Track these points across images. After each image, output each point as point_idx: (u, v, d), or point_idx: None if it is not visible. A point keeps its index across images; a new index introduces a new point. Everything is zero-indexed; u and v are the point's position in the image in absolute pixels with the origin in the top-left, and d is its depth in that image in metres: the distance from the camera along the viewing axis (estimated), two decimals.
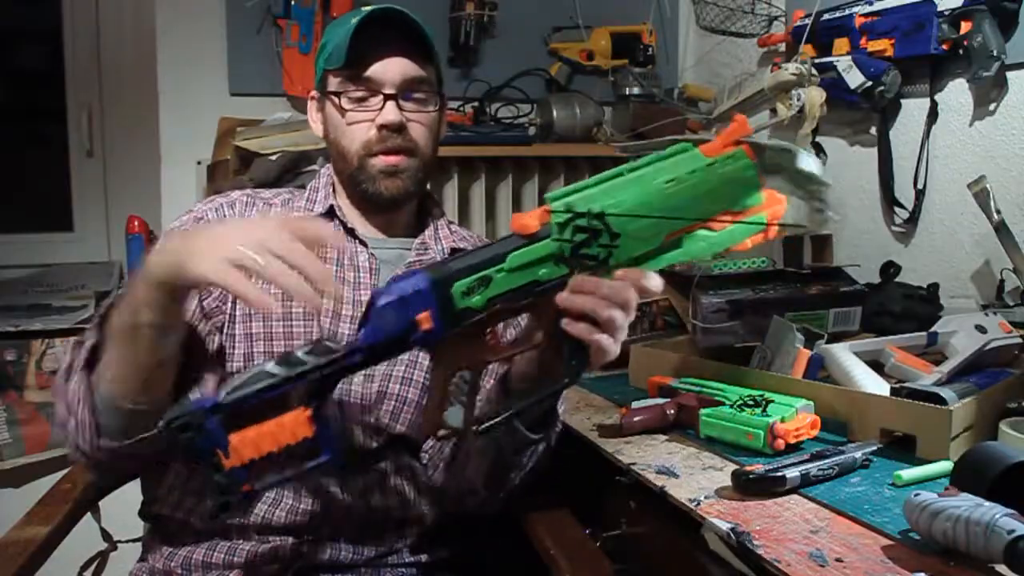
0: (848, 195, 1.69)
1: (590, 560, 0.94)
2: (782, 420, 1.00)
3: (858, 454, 0.95)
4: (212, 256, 0.73)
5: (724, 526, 0.82)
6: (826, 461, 0.92)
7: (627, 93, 2.09)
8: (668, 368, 1.29)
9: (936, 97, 1.49)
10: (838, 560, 0.74)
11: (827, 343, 1.20)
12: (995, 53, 1.31)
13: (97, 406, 0.87)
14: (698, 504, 0.88)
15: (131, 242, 1.98)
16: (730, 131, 0.76)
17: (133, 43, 2.07)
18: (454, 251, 1.08)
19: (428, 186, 1.19)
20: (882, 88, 1.48)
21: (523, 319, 0.88)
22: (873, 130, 1.61)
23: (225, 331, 0.99)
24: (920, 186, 1.52)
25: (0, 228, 2.14)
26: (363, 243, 1.06)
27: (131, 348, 0.82)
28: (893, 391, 1.03)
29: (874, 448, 0.98)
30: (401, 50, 1.00)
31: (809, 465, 0.91)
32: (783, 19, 1.82)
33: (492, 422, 0.77)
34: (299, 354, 0.69)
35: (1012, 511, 0.69)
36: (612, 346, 0.76)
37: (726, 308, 1.29)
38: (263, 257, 0.72)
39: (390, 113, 1.00)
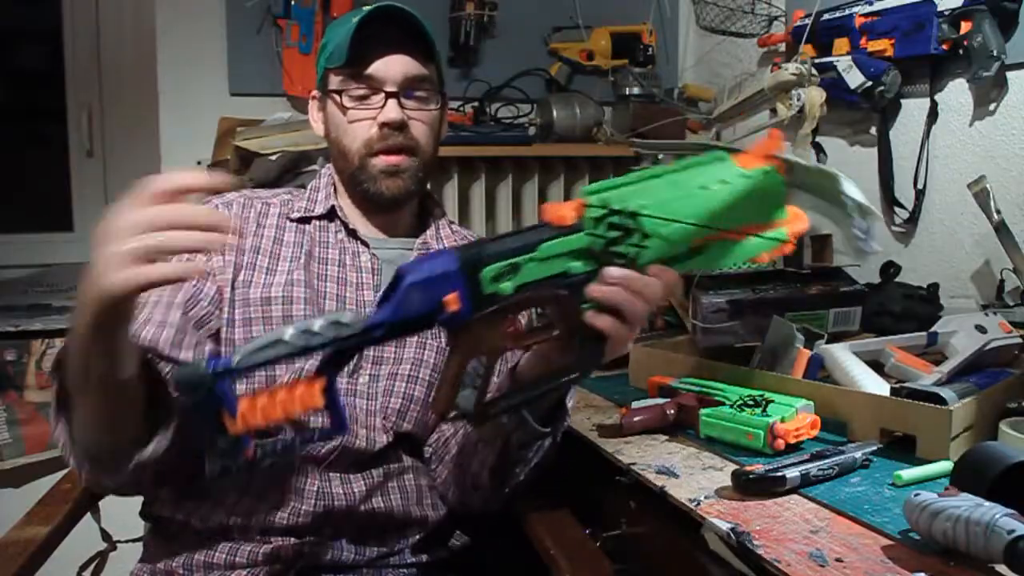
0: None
1: (590, 560, 0.94)
2: (782, 420, 1.00)
3: (858, 454, 0.95)
4: (109, 270, 0.68)
5: (724, 526, 0.82)
6: (826, 461, 0.92)
7: (627, 93, 2.09)
8: (668, 368, 1.29)
9: (936, 97, 1.49)
10: (838, 560, 0.74)
11: (827, 343, 1.20)
12: (995, 53, 1.31)
13: (80, 449, 0.85)
14: (698, 504, 0.88)
15: None
16: (765, 145, 0.77)
17: (133, 43, 2.07)
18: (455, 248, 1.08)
19: (429, 186, 1.19)
20: (882, 88, 1.48)
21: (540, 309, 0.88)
22: (873, 130, 1.61)
23: (224, 336, 0.99)
24: (920, 186, 1.52)
25: (0, 228, 2.14)
26: (365, 244, 1.06)
27: (89, 398, 0.79)
28: (893, 391, 1.03)
29: (874, 448, 0.98)
30: (403, 48, 1.01)
31: (809, 465, 0.91)
32: (783, 19, 1.82)
33: (507, 405, 0.76)
34: (317, 325, 0.67)
35: (1012, 511, 0.69)
36: (630, 341, 0.77)
37: (726, 308, 1.29)
38: (153, 238, 0.67)
39: (391, 111, 1.00)
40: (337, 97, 1.02)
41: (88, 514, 1.13)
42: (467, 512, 1.07)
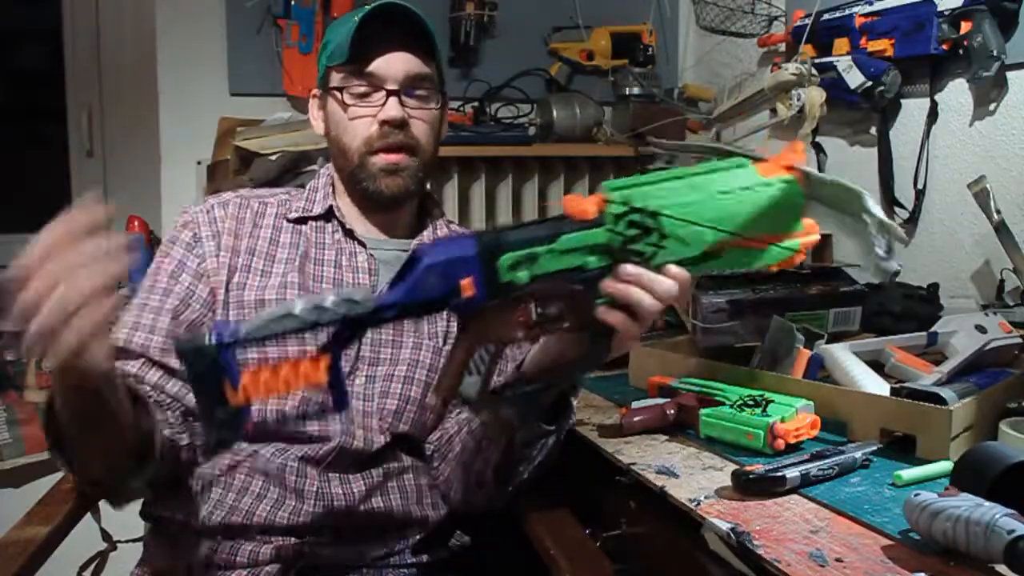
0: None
1: (590, 560, 0.94)
2: (782, 420, 1.00)
3: (858, 454, 0.95)
4: (53, 345, 0.63)
5: (724, 526, 0.82)
6: (826, 461, 0.92)
7: (627, 93, 2.09)
8: (668, 368, 1.29)
9: (936, 97, 1.49)
10: (838, 560, 0.74)
11: (827, 343, 1.20)
12: (995, 53, 1.31)
13: (83, 479, 0.87)
14: (698, 504, 0.88)
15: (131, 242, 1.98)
16: (785, 155, 0.77)
17: (133, 43, 2.07)
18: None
19: (429, 186, 1.19)
20: (882, 88, 1.48)
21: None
22: (873, 130, 1.61)
23: None
24: (920, 186, 1.52)
25: (0, 228, 2.14)
26: (362, 244, 1.06)
27: (81, 435, 0.80)
28: (893, 391, 1.03)
29: (874, 448, 0.98)
30: (405, 46, 1.00)
31: (809, 465, 0.91)
32: (783, 19, 1.82)
33: (510, 395, 0.77)
34: (329, 301, 0.67)
35: (1012, 511, 0.69)
36: (638, 338, 0.77)
37: (726, 308, 1.29)
38: (52, 308, 0.62)
39: (392, 109, 0.99)
40: (338, 94, 1.02)
41: (88, 514, 1.13)
42: (470, 511, 1.07)
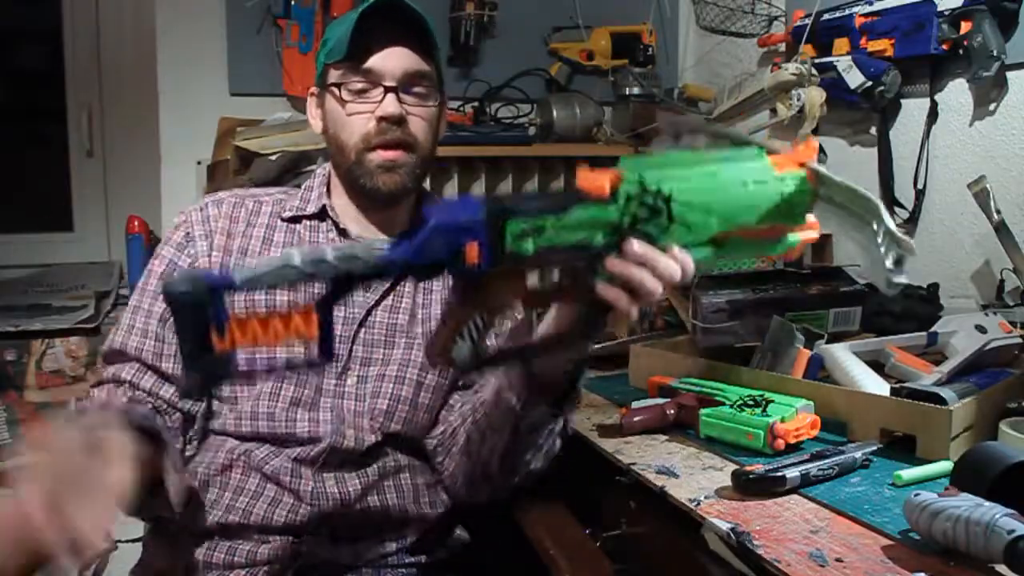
0: None
1: (590, 560, 0.94)
2: (782, 420, 1.00)
3: (858, 454, 0.95)
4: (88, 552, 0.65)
5: (724, 526, 0.82)
6: (826, 461, 0.92)
7: (627, 93, 2.09)
8: (668, 368, 1.29)
9: (936, 97, 1.49)
10: (838, 560, 0.74)
11: (827, 343, 1.20)
12: (995, 53, 1.31)
13: None
14: (698, 504, 0.88)
15: (131, 242, 1.98)
16: (800, 152, 0.77)
17: (133, 43, 2.07)
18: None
19: (428, 186, 1.19)
20: (882, 88, 1.48)
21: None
22: (873, 130, 1.61)
23: None
24: (920, 186, 1.52)
25: (0, 228, 2.14)
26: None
27: None
28: (893, 391, 1.03)
29: (874, 448, 0.98)
30: (403, 42, 1.00)
31: (809, 465, 0.91)
32: (783, 19, 1.82)
33: (501, 362, 0.76)
34: (330, 255, 0.65)
35: (1012, 511, 0.69)
36: (637, 311, 0.76)
37: (726, 308, 1.29)
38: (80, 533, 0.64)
39: (390, 105, 0.99)
40: (336, 91, 1.01)
41: None
42: (475, 504, 1.06)
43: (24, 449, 0.70)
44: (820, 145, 1.68)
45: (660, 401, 1.16)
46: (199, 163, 1.89)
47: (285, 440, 0.99)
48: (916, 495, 0.75)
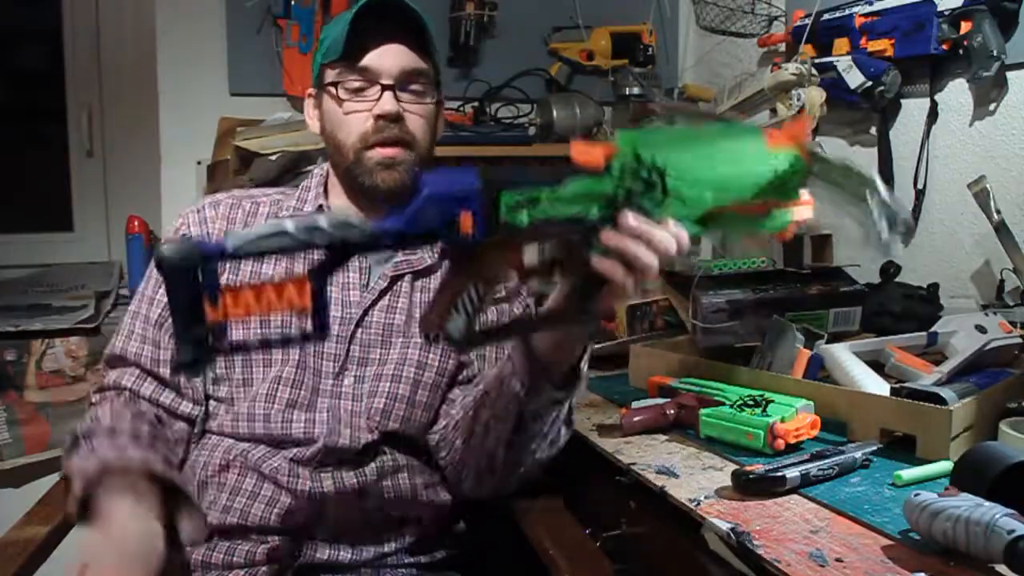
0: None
1: (590, 560, 0.94)
2: (782, 420, 1.00)
3: (858, 454, 0.95)
4: None
5: (724, 526, 0.82)
6: (826, 461, 0.92)
7: (627, 93, 2.09)
8: (668, 368, 1.29)
9: (936, 97, 1.49)
10: (838, 560, 0.74)
11: (827, 343, 1.20)
12: (995, 53, 1.31)
13: None
14: (698, 504, 0.88)
15: (131, 242, 1.98)
16: (793, 129, 0.77)
17: (133, 43, 2.07)
18: (444, 251, 1.07)
19: None
20: (882, 88, 1.48)
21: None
22: (873, 130, 1.61)
23: None
24: (920, 186, 1.52)
25: (0, 228, 2.14)
26: None
27: None
28: (893, 391, 1.03)
29: (874, 448, 0.98)
30: (399, 40, 1.00)
31: (809, 465, 0.91)
32: (783, 19, 1.82)
33: (495, 336, 0.75)
34: (324, 223, 0.64)
35: (1012, 511, 0.69)
36: (635, 287, 0.75)
37: (726, 308, 1.29)
38: None
39: (387, 103, 0.99)
40: (333, 90, 1.01)
41: None
42: (479, 500, 1.05)
43: None
44: (820, 144, 1.68)
45: (660, 401, 1.16)
46: (199, 163, 1.89)
47: (282, 441, 0.99)
48: (916, 495, 0.75)
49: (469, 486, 1.04)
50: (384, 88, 0.99)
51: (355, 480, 1.00)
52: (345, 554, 0.99)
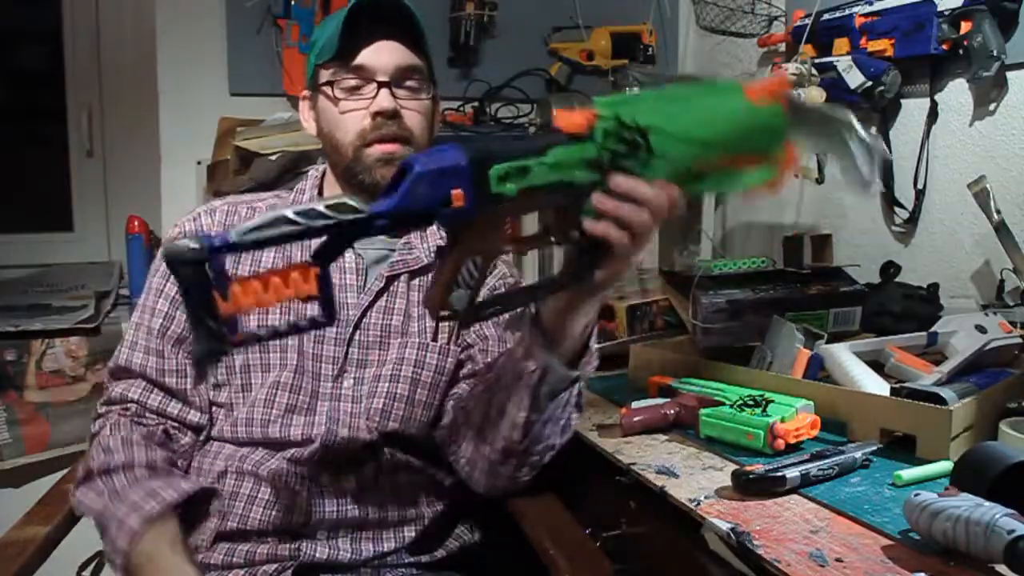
0: (848, 195, 1.69)
1: (590, 560, 0.94)
2: (782, 420, 1.00)
3: (858, 454, 0.95)
4: None
5: (724, 526, 0.82)
6: (826, 461, 0.92)
7: (627, 93, 2.09)
8: (668, 368, 1.29)
9: (936, 97, 1.49)
10: (838, 560, 0.74)
11: (827, 343, 1.20)
12: (995, 53, 1.31)
13: None
14: (698, 504, 0.88)
15: (131, 242, 1.98)
16: (772, 82, 0.78)
17: (133, 43, 2.07)
18: (440, 250, 1.07)
19: None
20: (882, 88, 1.48)
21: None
22: (873, 130, 1.61)
23: None
24: (920, 186, 1.52)
25: (0, 228, 2.14)
26: None
27: None
28: (893, 391, 1.03)
29: (874, 448, 0.98)
30: (393, 37, 1.00)
31: (809, 465, 0.91)
32: (783, 19, 1.82)
33: (499, 307, 0.76)
34: (321, 207, 0.65)
35: (1012, 511, 0.69)
36: (633, 250, 0.76)
37: (726, 308, 1.29)
38: None
39: (384, 100, 0.99)
40: (328, 90, 1.01)
41: None
42: (493, 492, 1.03)
43: None
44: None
45: (660, 401, 1.16)
46: (199, 163, 1.89)
47: (282, 445, 0.99)
48: (916, 495, 0.75)
49: (482, 480, 1.02)
50: (380, 85, 0.99)
51: (354, 480, 1.00)
52: (345, 554, 0.99)
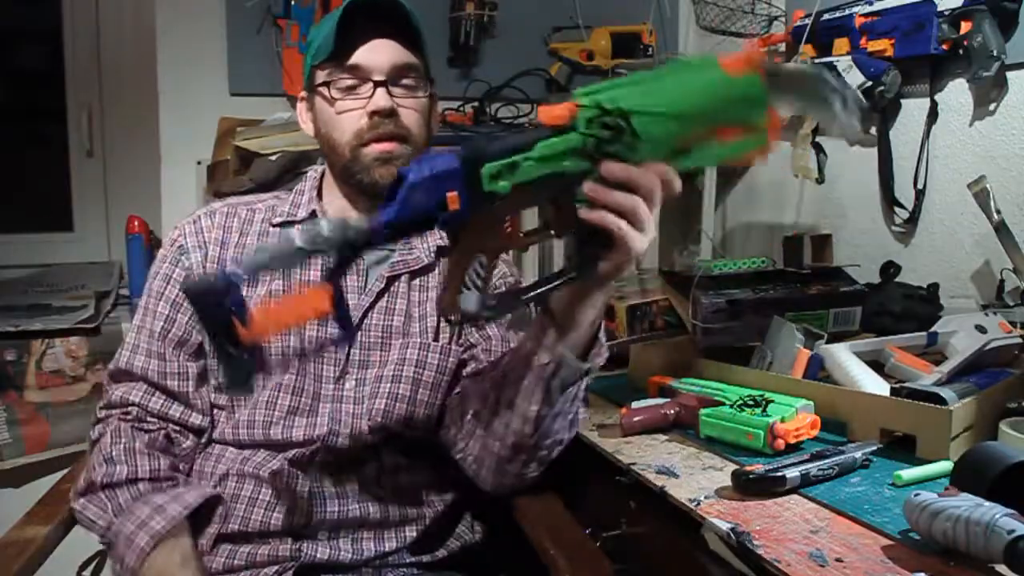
0: (848, 195, 1.69)
1: (590, 560, 0.94)
2: (782, 420, 1.00)
3: (858, 454, 0.95)
4: None
5: (724, 526, 0.82)
6: (826, 461, 0.92)
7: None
8: (668, 368, 1.29)
9: (936, 97, 1.49)
10: (838, 560, 0.74)
11: (827, 343, 1.20)
12: (995, 53, 1.31)
13: None
14: (698, 504, 0.88)
15: (131, 242, 1.98)
16: (747, 52, 0.78)
17: (133, 43, 2.07)
18: (440, 249, 1.08)
19: None
20: (882, 88, 1.48)
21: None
22: (873, 130, 1.61)
23: (207, 349, 1.01)
24: (920, 186, 1.52)
25: (0, 228, 2.14)
26: None
27: None
28: (893, 391, 1.03)
29: (874, 448, 0.98)
30: (389, 35, 0.99)
31: (809, 465, 0.91)
32: (783, 19, 1.82)
33: (508, 304, 0.77)
34: (326, 229, 0.68)
35: (1012, 511, 0.69)
36: (635, 237, 0.76)
37: (726, 308, 1.29)
38: None
39: (381, 99, 0.98)
40: (325, 90, 1.00)
41: None
42: (498, 494, 1.03)
43: None
44: (820, 144, 1.68)
45: (660, 401, 1.16)
46: (199, 163, 1.89)
47: (283, 446, 0.99)
48: (916, 495, 0.75)
49: (490, 478, 1.01)
50: (376, 84, 0.99)
51: (356, 480, 1.00)
52: (345, 554, 0.99)
